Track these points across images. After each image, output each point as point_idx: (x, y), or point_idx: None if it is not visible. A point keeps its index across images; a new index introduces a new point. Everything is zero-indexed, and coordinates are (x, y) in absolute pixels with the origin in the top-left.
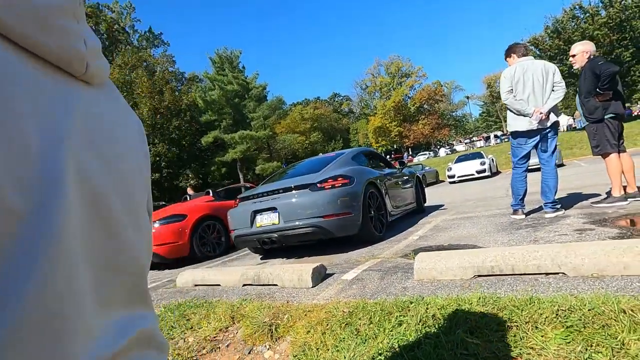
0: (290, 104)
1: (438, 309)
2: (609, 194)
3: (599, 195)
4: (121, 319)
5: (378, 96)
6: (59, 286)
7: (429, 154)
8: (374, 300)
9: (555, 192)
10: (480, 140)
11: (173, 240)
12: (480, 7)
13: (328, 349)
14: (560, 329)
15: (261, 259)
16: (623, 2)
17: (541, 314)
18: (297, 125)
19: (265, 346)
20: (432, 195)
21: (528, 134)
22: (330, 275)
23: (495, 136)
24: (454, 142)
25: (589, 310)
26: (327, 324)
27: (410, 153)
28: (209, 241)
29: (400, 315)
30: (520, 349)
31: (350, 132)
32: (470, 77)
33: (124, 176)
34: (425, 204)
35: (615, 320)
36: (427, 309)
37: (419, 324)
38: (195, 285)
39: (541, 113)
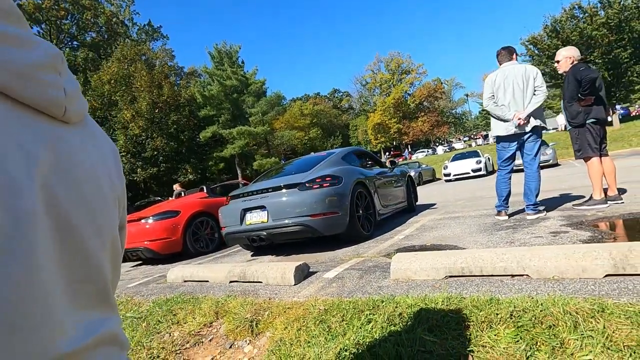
0: (289, 99)
1: (406, 308)
2: (590, 196)
3: (584, 197)
4: (88, 321)
5: (378, 93)
6: (31, 292)
7: (428, 151)
8: (349, 298)
9: (537, 194)
10: (479, 138)
11: (166, 236)
12: (481, 4)
13: (300, 345)
14: (512, 329)
15: (252, 255)
16: (622, 2)
17: (497, 314)
18: (297, 120)
19: (246, 341)
20: (427, 193)
21: (510, 137)
22: (313, 273)
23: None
24: (453, 140)
25: (540, 311)
26: (303, 321)
27: (410, 150)
28: (202, 237)
29: (370, 314)
30: (473, 347)
31: (350, 128)
32: (471, 75)
33: (92, 203)
34: (417, 203)
35: (560, 320)
36: (395, 307)
37: (385, 322)
38: (185, 281)
39: (520, 118)
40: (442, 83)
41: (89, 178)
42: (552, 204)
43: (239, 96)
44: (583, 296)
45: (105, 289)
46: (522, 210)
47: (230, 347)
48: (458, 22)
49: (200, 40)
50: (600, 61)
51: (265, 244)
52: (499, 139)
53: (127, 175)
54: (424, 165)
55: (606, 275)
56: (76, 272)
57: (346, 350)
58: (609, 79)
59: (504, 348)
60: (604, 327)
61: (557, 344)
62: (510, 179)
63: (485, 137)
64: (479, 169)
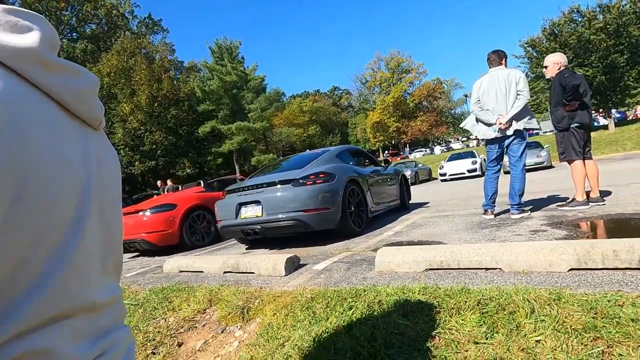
0: (289, 96)
1: (385, 296)
2: (573, 198)
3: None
4: (108, 284)
5: (377, 91)
6: (83, 254)
7: (425, 151)
8: (335, 288)
9: (521, 195)
10: (476, 138)
11: (163, 229)
12: (483, 6)
13: (287, 328)
14: (477, 314)
15: (246, 249)
16: (621, 7)
17: (466, 302)
18: (296, 117)
19: (237, 326)
20: (421, 192)
21: (494, 140)
22: (303, 265)
23: None
24: (452, 140)
25: (504, 299)
26: (291, 308)
27: (409, 149)
28: (198, 230)
29: (352, 301)
30: (440, 329)
31: (349, 126)
32: (471, 75)
33: (115, 192)
34: (410, 202)
35: (520, 307)
36: (376, 296)
37: (365, 309)
38: (181, 271)
39: (501, 123)
40: (441, 83)
41: (111, 172)
42: (538, 204)
43: (238, 92)
44: (546, 287)
45: (120, 262)
46: (509, 210)
47: (222, 331)
48: (459, 22)
49: (200, 34)
50: (597, 65)
51: (259, 238)
52: (486, 142)
53: (124, 168)
54: (420, 165)
55: (570, 269)
56: (106, 247)
57: (327, 332)
58: (605, 83)
59: (468, 331)
60: (557, 313)
61: (514, 326)
62: (496, 179)
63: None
64: (475, 170)
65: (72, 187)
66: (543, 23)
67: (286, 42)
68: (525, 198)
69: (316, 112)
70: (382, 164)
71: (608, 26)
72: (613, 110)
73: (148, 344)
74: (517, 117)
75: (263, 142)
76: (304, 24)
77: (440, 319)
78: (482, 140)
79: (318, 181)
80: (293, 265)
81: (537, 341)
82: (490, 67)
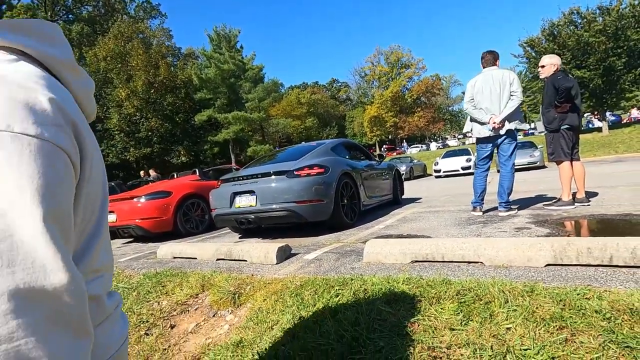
0: (287, 87)
1: (371, 285)
2: (559, 198)
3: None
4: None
5: (376, 85)
6: (107, 227)
7: (422, 146)
8: (323, 276)
9: (509, 193)
10: (472, 136)
11: (158, 215)
12: (484, 3)
13: (275, 313)
14: (455, 304)
15: (239, 237)
16: (620, 10)
17: (446, 292)
18: (293, 108)
19: (228, 311)
20: (415, 188)
21: (486, 139)
22: (295, 254)
23: None
24: (448, 137)
25: (481, 290)
26: (281, 294)
27: (407, 145)
28: (192, 218)
29: (339, 289)
30: (420, 316)
31: (347, 119)
32: (470, 73)
33: (104, 177)
34: (403, 196)
35: (496, 298)
36: (362, 285)
37: (351, 296)
38: (174, 257)
39: (495, 122)
40: (440, 79)
41: (100, 158)
42: (526, 203)
43: (236, 81)
44: (522, 280)
45: (109, 240)
46: (497, 208)
47: (214, 315)
48: (460, 19)
49: (199, 22)
50: (595, 68)
51: (252, 227)
52: (478, 140)
53: (119, 154)
54: (415, 161)
55: (547, 265)
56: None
57: (314, 317)
58: (602, 85)
59: (445, 318)
60: (529, 304)
61: (488, 315)
62: (486, 177)
63: None
64: (469, 167)
65: (103, 170)
66: (542, 24)
67: (286, 32)
68: (514, 197)
69: (314, 104)
70: (377, 159)
71: (607, 28)
72: (607, 113)
73: (142, 325)
74: (510, 117)
75: (259, 133)
76: (305, 15)
77: (420, 307)
78: (473, 137)
79: (312, 173)
80: (284, 254)
81: (508, 329)
82: (484, 67)
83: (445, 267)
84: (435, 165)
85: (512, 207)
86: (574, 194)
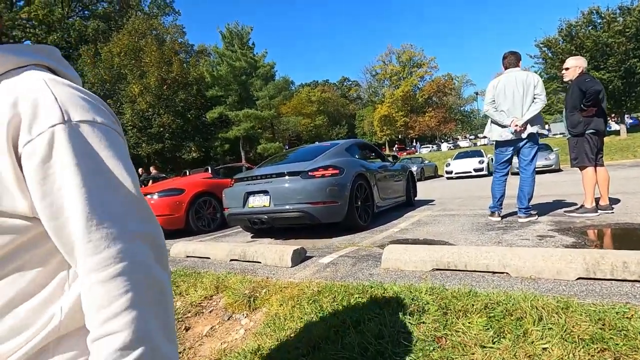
0: (298, 85)
1: (392, 294)
2: (582, 204)
3: (578, 204)
4: None
5: (387, 84)
6: None
7: (432, 147)
8: (341, 282)
9: (530, 199)
10: (484, 137)
11: (170, 213)
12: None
13: (294, 320)
14: (484, 318)
15: (252, 237)
16: None
17: (473, 305)
18: (304, 107)
19: (243, 314)
20: (427, 189)
21: (507, 142)
22: (310, 257)
23: None
24: (459, 138)
25: (511, 305)
26: (298, 300)
27: (419, 145)
28: (204, 216)
29: (359, 297)
30: (447, 331)
31: (357, 118)
32: (483, 73)
33: None
34: (416, 198)
35: (528, 314)
36: (383, 293)
37: (372, 305)
38: (187, 256)
39: (517, 125)
40: (452, 79)
41: None
42: (545, 209)
43: (247, 78)
44: (553, 295)
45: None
46: (515, 213)
47: (229, 319)
48: (473, 18)
49: (212, 18)
50: (614, 69)
51: (265, 227)
52: (497, 144)
53: (131, 149)
54: (426, 161)
55: (578, 278)
56: None
57: (334, 326)
58: (621, 87)
59: (474, 334)
60: (565, 322)
61: (521, 333)
62: (505, 181)
63: None
64: (481, 169)
65: None
66: (560, 24)
67: (297, 30)
68: (532, 202)
69: (324, 102)
70: (390, 160)
71: (627, 29)
72: (626, 116)
73: None
74: (532, 121)
75: (270, 130)
76: (317, 14)
77: (447, 321)
78: (493, 141)
79: (327, 174)
80: (299, 257)
81: (544, 349)
82: (506, 67)
83: (468, 277)
84: (447, 166)
85: (532, 212)
86: (596, 200)
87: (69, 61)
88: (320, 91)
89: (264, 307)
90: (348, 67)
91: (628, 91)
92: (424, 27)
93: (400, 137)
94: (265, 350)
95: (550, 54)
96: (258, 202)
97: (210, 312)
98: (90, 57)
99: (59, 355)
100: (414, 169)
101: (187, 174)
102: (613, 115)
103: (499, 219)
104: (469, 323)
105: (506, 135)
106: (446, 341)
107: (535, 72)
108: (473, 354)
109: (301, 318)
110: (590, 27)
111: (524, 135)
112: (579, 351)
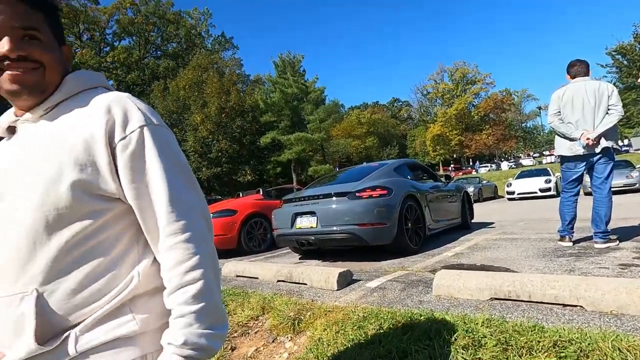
0: (348, 108)
1: (444, 324)
2: None
3: None
4: None
5: (439, 103)
6: None
7: (491, 166)
8: (388, 309)
9: (608, 222)
10: (551, 155)
11: (223, 233)
12: (558, 12)
13: (337, 346)
14: (553, 358)
15: (299, 258)
16: None
17: (539, 342)
18: (354, 128)
19: (287, 337)
20: (486, 211)
21: (576, 158)
22: (356, 281)
23: None
24: (521, 156)
25: (587, 344)
26: (342, 325)
27: (478, 164)
28: (255, 237)
29: (407, 325)
30: None
31: (408, 138)
32: (546, 87)
33: None
34: (473, 221)
35: (609, 357)
36: (433, 322)
37: (422, 335)
38: (237, 275)
39: (588, 138)
40: (511, 94)
41: None
42: (627, 233)
43: (298, 104)
44: None
45: None
46: (590, 238)
47: (273, 341)
48: (530, 30)
49: (265, 49)
50: None
51: (313, 248)
52: (563, 159)
53: (193, 173)
54: (484, 181)
55: None
56: None
57: (380, 356)
58: None
59: None
60: None
61: None
62: (575, 202)
63: None
64: (548, 189)
65: None
66: (635, 29)
67: (346, 54)
68: (611, 225)
69: (374, 123)
70: (443, 180)
71: None
72: None
73: None
74: (607, 134)
75: (320, 153)
76: (365, 37)
77: (508, 358)
78: (557, 157)
79: (374, 195)
80: (345, 280)
81: None
82: (573, 77)
83: (533, 309)
84: (508, 186)
85: (611, 237)
86: None
87: (143, 96)
88: (370, 113)
89: (308, 331)
90: (398, 88)
91: None
92: (478, 43)
93: (455, 156)
94: None
95: (625, 62)
96: (305, 223)
97: (256, 333)
98: (161, 91)
99: (135, 309)
100: (470, 189)
101: (240, 195)
102: None
103: (571, 244)
104: None
105: (576, 149)
106: None
107: (609, 82)
108: None
109: (345, 345)
110: None
111: (597, 150)
112: None
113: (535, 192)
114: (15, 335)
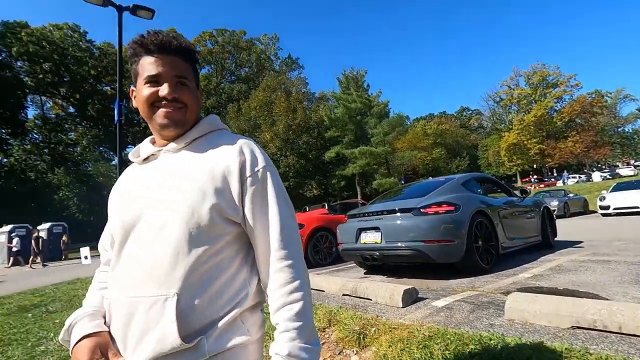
0: (413, 119)
1: (516, 350)
2: None
3: None
4: None
5: (515, 110)
6: None
7: (580, 177)
8: (455, 330)
9: None
10: None
11: None
12: None
13: None
14: None
15: (364, 273)
16: None
17: None
18: (419, 140)
19: (353, 351)
20: (573, 228)
21: None
22: (423, 299)
23: None
24: (619, 164)
25: None
26: (407, 343)
27: (567, 174)
28: (321, 250)
29: (475, 349)
30: None
31: (479, 148)
32: None
33: None
34: (556, 239)
35: None
36: (504, 348)
37: None
38: None
39: None
40: (603, 96)
41: None
42: None
43: (362, 118)
44: None
45: None
46: None
47: (339, 353)
48: (624, 22)
49: (329, 66)
50: None
51: (377, 264)
52: None
53: None
54: (571, 195)
55: None
56: None
57: None
58: None
59: None
60: None
61: None
62: None
63: None
64: None
65: None
66: None
67: (411, 64)
68: None
69: (441, 134)
70: (518, 194)
71: None
72: None
73: None
74: None
75: (385, 166)
76: (430, 46)
77: None
78: None
79: (440, 211)
80: (411, 298)
81: None
82: None
83: (624, 342)
84: (601, 200)
85: None
86: None
87: (220, 118)
88: (437, 123)
89: (373, 346)
90: (467, 96)
91: None
92: (559, 43)
93: (535, 166)
94: None
95: None
96: (370, 238)
97: (323, 344)
98: (234, 112)
99: (245, 321)
100: (554, 203)
101: (307, 210)
102: None
103: None
104: None
105: None
106: None
107: None
108: None
109: None
110: None
111: None
112: None
113: (637, 207)
114: (146, 336)
